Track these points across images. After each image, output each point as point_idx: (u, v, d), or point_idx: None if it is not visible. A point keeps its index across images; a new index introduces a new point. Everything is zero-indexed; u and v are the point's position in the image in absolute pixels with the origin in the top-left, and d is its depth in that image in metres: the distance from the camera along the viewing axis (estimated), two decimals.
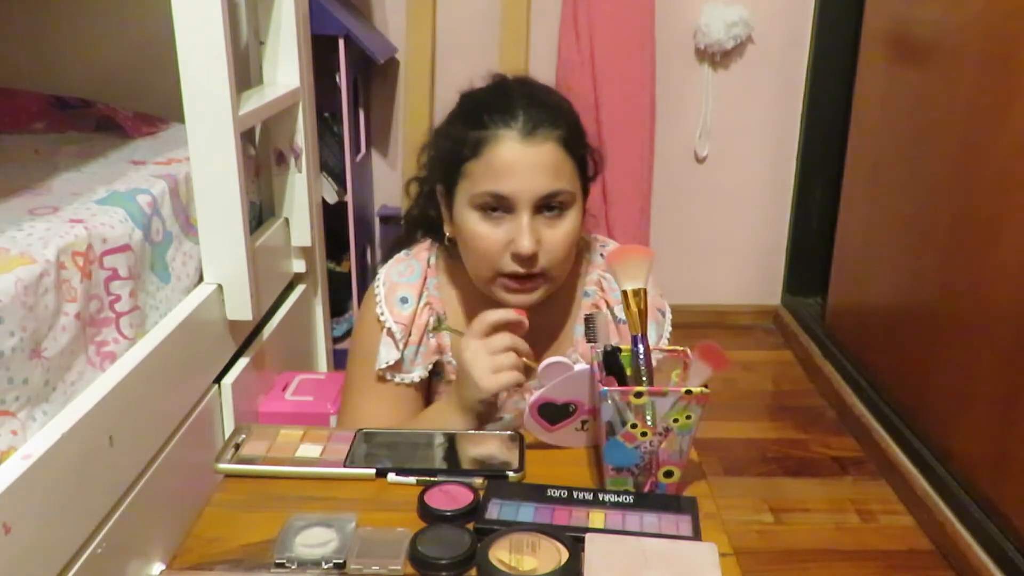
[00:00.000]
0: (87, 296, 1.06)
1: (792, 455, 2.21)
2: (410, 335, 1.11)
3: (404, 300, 1.11)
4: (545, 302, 1.12)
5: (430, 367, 1.13)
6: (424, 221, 1.16)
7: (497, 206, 1.01)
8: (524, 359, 1.00)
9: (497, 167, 1.00)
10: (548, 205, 1.01)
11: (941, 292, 1.96)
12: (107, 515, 1.05)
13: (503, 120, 1.00)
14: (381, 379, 1.12)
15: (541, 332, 1.13)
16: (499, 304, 1.05)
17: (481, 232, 1.02)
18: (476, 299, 1.10)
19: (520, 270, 1.01)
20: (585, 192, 1.08)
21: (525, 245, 0.99)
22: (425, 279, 1.13)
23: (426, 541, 0.78)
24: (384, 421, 1.09)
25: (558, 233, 1.02)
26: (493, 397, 1.00)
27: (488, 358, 0.98)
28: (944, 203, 1.95)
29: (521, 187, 0.99)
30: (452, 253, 1.11)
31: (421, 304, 1.12)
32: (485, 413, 1.03)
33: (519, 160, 0.99)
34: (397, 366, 1.12)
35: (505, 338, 0.99)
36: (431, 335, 1.13)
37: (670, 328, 1.13)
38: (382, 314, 1.11)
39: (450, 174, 1.05)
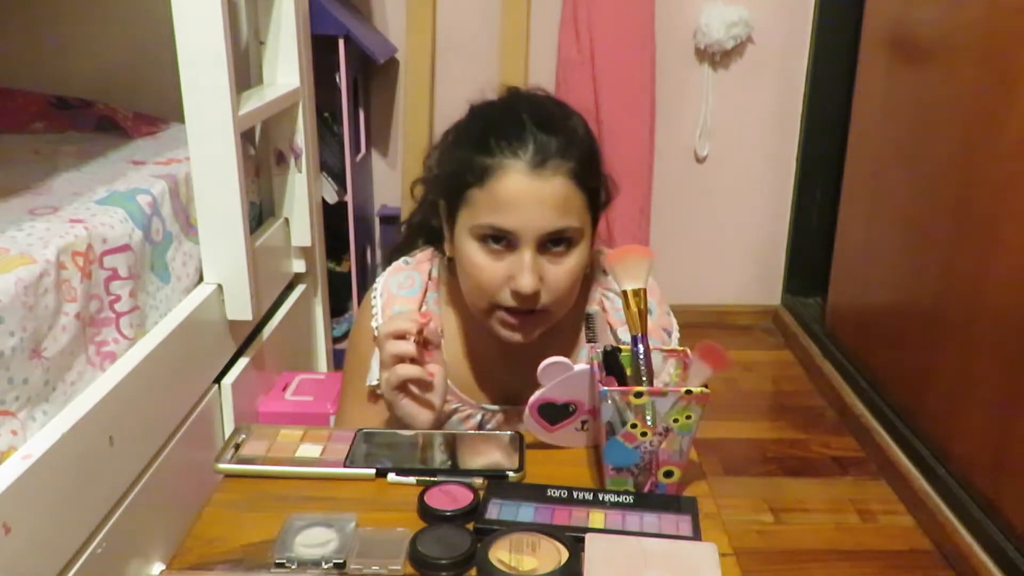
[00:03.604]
0: (87, 296, 1.06)
1: (792, 455, 2.21)
2: None
3: None
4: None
5: None
6: (426, 229, 1.13)
7: (499, 239, 0.96)
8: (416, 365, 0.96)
9: (502, 200, 0.94)
10: (554, 241, 0.96)
11: (941, 292, 1.96)
12: (107, 515, 1.05)
13: (511, 149, 0.95)
14: (373, 392, 1.08)
15: (540, 355, 1.11)
16: (493, 331, 1.02)
17: (481, 264, 0.97)
18: (475, 319, 1.06)
19: (519, 306, 0.98)
20: (595, 222, 1.03)
21: (527, 284, 0.94)
22: (425, 292, 1.10)
23: (426, 541, 0.78)
24: None
25: (561, 270, 0.97)
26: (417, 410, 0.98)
27: (382, 369, 0.97)
28: (944, 203, 1.94)
29: (526, 223, 0.94)
30: (454, 268, 1.07)
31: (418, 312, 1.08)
32: (410, 421, 1.00)
33: (525, 194, 0.94)
34: None
35: (391, 347, 0.95)
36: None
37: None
38: (377, 328, 1.07)
39: (453, 196, 1.00)
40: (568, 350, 1.11)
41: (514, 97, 1.05)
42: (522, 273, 0.95)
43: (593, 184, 1.00)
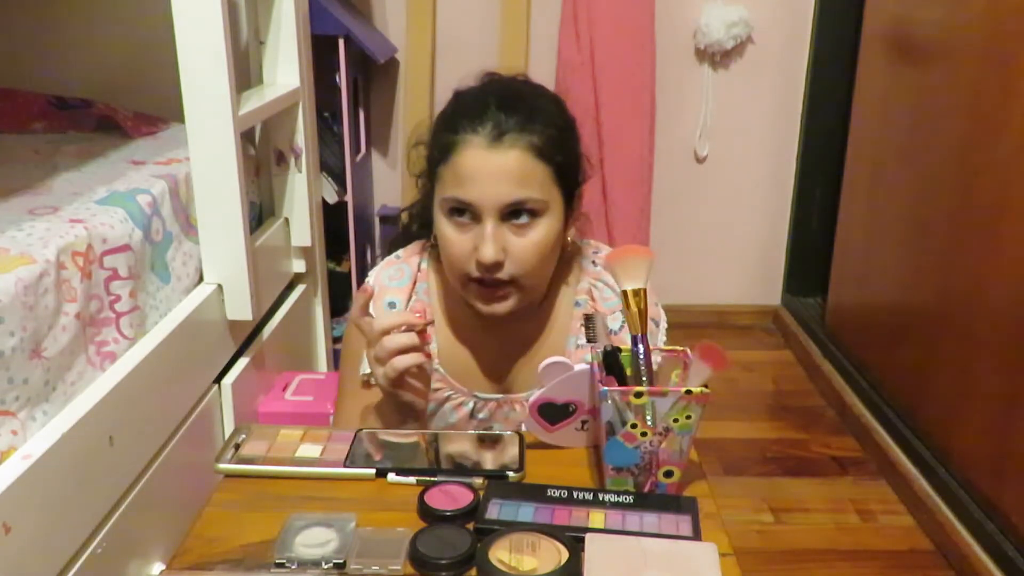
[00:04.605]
0: (87, 296, 1.07)
1: (792, 455, 2.21)
2: None
3: (392, 305, 1.11)
4: (535, 312, 1.11)
5: None
6: (424, 215, 1.15)
7: (463, 211, 1.00)
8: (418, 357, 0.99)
9: (461, 174, 0.99)
10: (515, 212, 0.99)
11: (941, 292, 1.96)
12: (107, 515, 1.05)
13: (471, 125, 0.99)
14: (367, 383, 1.11)
15: (531, 343, 1.12)
16: (477, 310, 1.05)
17: (449, 237, 1.02)
18: (462, 304, 1.09)
19: (485, 276, 1.01)
20: (569, 199, 1.05)
21: (486, 254, 0.98)
22: (415, 283, 1.13)
23: (426, 541, 0.78)
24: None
25: (525, 242, 1.00)
26: (409, 396, 1.02)
27: (377, 364, 0.99)
28: (944, 203, 1.95)
29: (484, 195, 0.98)
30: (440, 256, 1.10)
31: (408, 309, 1.11)
32: (409, 406, 1.03)
33: (482, 168, 0.98)
34: None
35: (390, 342, 0.98)
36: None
37: (664, 339, 1.12)
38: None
39: (430, 175, 1.06)
40: (554, 335, 1.12)
41: (488, 81, 1.08)
42: (484, 244, 0.98)
43: (560, 159, 1.02)
